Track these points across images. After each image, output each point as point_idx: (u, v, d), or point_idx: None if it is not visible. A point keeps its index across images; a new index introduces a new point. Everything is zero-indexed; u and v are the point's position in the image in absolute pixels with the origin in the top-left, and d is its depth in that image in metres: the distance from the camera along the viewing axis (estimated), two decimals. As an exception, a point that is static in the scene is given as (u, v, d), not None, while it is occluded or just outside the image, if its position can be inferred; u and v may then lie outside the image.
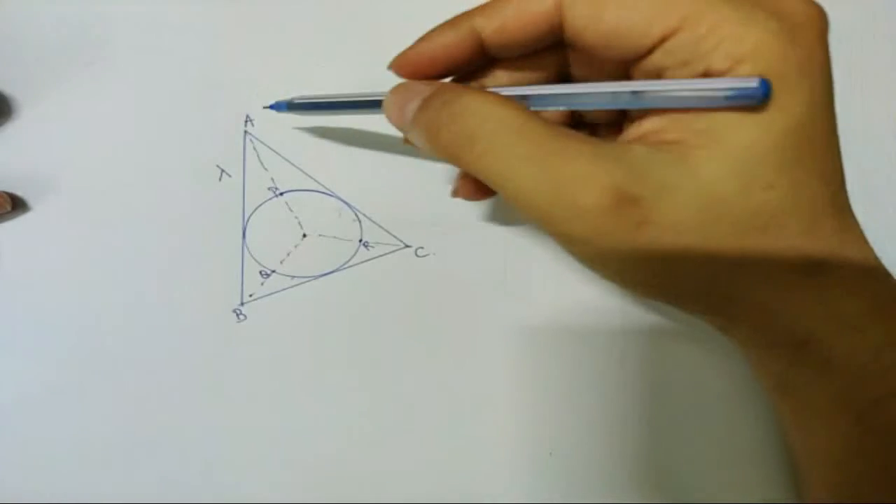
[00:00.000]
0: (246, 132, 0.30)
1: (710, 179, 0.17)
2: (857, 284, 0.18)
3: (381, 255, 0.30)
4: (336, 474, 0.29)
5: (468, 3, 0.21)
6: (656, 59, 0.17)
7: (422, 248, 0.30)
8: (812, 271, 0.17)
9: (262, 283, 0.29)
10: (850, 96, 0.31)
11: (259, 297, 0.29)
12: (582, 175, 0.17)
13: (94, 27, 0.30)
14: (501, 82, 0.21)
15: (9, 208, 0.29)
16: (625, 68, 0.19)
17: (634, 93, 0.16)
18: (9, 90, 0.30)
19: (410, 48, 0.20)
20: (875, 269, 0.19)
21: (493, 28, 0.19)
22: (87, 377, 0.29)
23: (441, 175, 0.30)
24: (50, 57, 0.30)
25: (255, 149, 0.30)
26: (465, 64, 0.20)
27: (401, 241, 0.30)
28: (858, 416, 0.18)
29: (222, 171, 0.30)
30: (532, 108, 0.19)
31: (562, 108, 0.20)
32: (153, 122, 0.30)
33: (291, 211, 0.30)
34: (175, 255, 0.29)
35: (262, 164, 0.30)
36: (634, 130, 0.18)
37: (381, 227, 0.30)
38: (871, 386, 0.18)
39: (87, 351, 0.29)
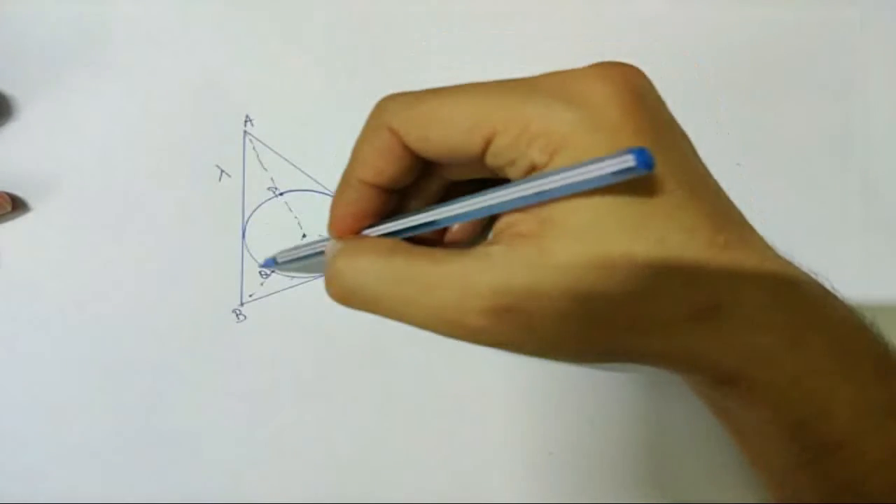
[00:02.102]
0: (246, 132, 0.30)
1: (566, 265, 0.17)
2: (766, 315, 0.18)
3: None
4: (336, 474, 0.29)
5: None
6: (489, 160, 0.19)
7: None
8: (710, 315, 0.18)
9: (261, 284, 0.29)
10: (850, 97, 0.31)
11: (259, 297, 0.29)
12: (454, 304, 0.18)
13: (94, 27, 0.30)
14: (433, 190, 0.23)
15: (9, 208, 0.29)
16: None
17: (538, 193, 0.17)
18: (9, 90, 0.30)
19: (331, 216, 0.22)
20: (787, 291, 0.19)
21: (372, 175, 0.20)
22: (86, 377, 0.29)
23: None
24: (50, 57, 0.30)
25: (254, 149, 0.30)
26: (382, 207, 0.22)
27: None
28: (791, 436, 0.19)
29: (222, 171, 0.30)
30: (438, 227, 0.20)
31: (466, 220, 0.21)
32: (153, 123, 0.30)
33: (291, 211, 0.30)
34: (175, 256, 0.29)
35: (261, 164, 0.30)
36: (498, 225, 0.19)
37: (380, 227, 0.30)
38: (795, 410, 0.19)
39: (87, 351, 0.29)
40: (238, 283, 0.29)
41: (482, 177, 0.21)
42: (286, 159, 0.30)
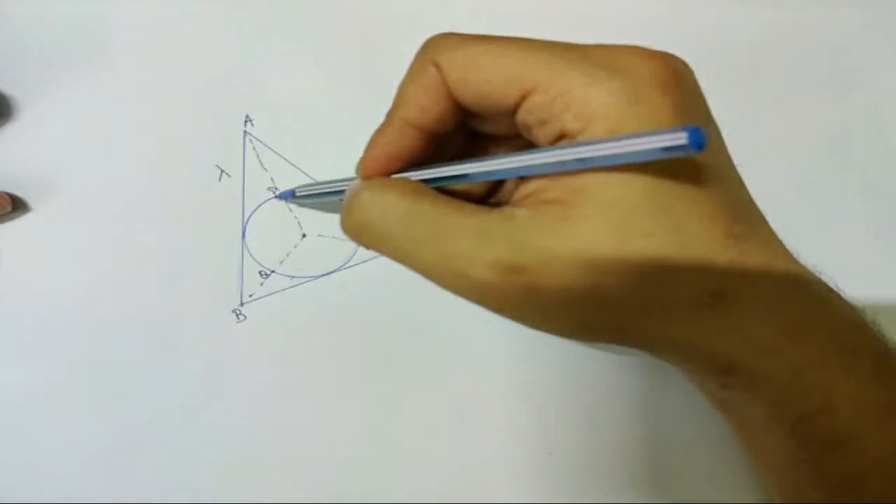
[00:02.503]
0: (245, 132, 0.30)
1: (588, 237, 0.17)
2: (770, 308, 0.18)
3: (380, 255, 0.30)
4: (336, 474, 0.29)
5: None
6: (521, 117, 0.19)
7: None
8: (713, 304, 0.18)
9: (261, 284, 0.29)
10: (850, 97, 0.31)
11: (259, 297, 0.29)
12: (467, 253, 0.18)
13: (94, 27, 0.30)
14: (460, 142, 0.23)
15: (9, 209, 0.29)
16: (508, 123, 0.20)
17: (579, 160, 0.17)
18: (9, 90, 0.30)
19: (365, 155, 0.22)
20: (793, 286, 0.19)
21: (415, 114, 0.20)
22: (87, 377, 0.29)
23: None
24: (50, 57, 0.30)
25: (254, 149, 0.30)
26: (418, 151, 0.21)
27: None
28: (790, 431, 0.19)
29: (222, 171, 0.30)
30: (467, 181, 0.20)
31: (502, 178, 0.21)
32: (153, 123, 0.30)
33: (291, 211, 0.30)
34: (175, 256, 0.29)
35: (261, 164, 0.30)
36: (522, 190, 0.19)
37: (380, 227, 0.30)
38: (796, 405, 0.19)
39: (87, 351, 0.29)
40: (238, 283, 0.29)
41: (507, 136, 0.21)
42: (286, 159, 0.30)
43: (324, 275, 0.30)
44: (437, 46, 0.20)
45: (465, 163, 0.20)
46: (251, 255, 0.30)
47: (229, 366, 0.29)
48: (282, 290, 0.29)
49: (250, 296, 0.29)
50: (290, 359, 0.29)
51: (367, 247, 0.20)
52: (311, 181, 0.27)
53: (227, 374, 0.29)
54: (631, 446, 0.29)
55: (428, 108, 0.20)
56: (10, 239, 0.29)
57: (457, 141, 0.22)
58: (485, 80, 0.19)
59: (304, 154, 0.30)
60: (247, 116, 0.30)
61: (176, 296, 0.29)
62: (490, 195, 0.24)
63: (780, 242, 0.20)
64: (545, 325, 0.20)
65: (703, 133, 0.15)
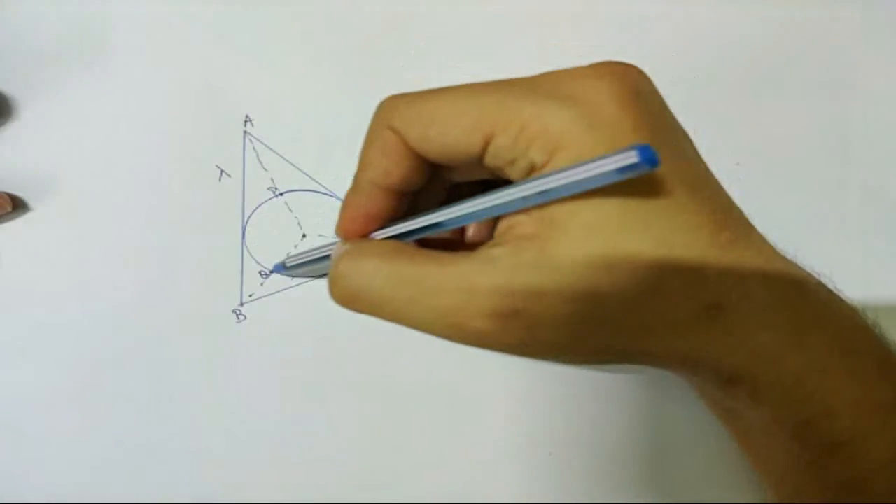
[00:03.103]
0: (245, 132, 0.30)
1: (571, 267, 0.17)
2: (768, 314, 0.18)
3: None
4: (336, 474, 0.29)
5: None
6: (488, 161, 0.19)
7: (422, 248, 0.30)
8: (713, 314, 0.18)
9: (261, 284, 0.29)
10: (850, 97, 0.31)
11: (259, 298, 0.29)
12: (459, 308, 0.18)
13: (94, 27, 0.30)
14: (440, 192, 0.23)
15: (9, 209, 0.29)
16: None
17: (541, 192, 0.17)
18: (9, 90, 0.30)
19: (341, 217, 0.22)
20: (790, 290, 0.19)
21: (380, 176, 0.20)
22: (86, 377, 0.29)
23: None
24: (50, 57, 0.30)
25: (254, 149, 0.30)
26: (394, 208, 0.21)
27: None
28: (794, 435, 0.19)
29: (222, 171, 0.30)
30: (441, 231, 0.20)
31: (471, 222, 0.21)
32: (153, 122, 0.30)
33: (291, 211, 0.30)
34: (175, 256, 0.29)
35: (261, 164, 0.30)
36: (500, 226, 0.19)
37: (380, 227, 0.30)
38: (799, 409, 0.19)
39: (87, 351, 0.29)
40: (238, 283, 0.29)
41: (485, 178, 0.21)
42: (286, 159, 0.30)
43: (324, 275, 0.30)
44: (390, 109, 0.20)
45: (435, 212, 0.20)
46: (251, 255, 0.30)
47: (229, 366, 0.29)
48: (282, 290, 0.29)
49: (250, 296, 0.29)
50: (290, 359, 0.29)
51: (363, 313, 0.20)
52: (298, 251, 0.27)
53: (227, 374, 0.29)
54: (631, 447, 0.29)
55: (390, 170, 0.20)
56: (10, 239, 0.29)
57: (435, 190, 0.22)
58: (445, 134, 0.19)
59: (304, 154, 0.30)
60: (247, 116, 0.30)
61: (176, 296, 0.29)
62: (468, 232, 0.24)
63: (771, 247, 0.19)
64: (551, 357, 0.20)
65: (653, 149, 0.15)
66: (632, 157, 0.15)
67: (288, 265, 0.28)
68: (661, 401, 0.29)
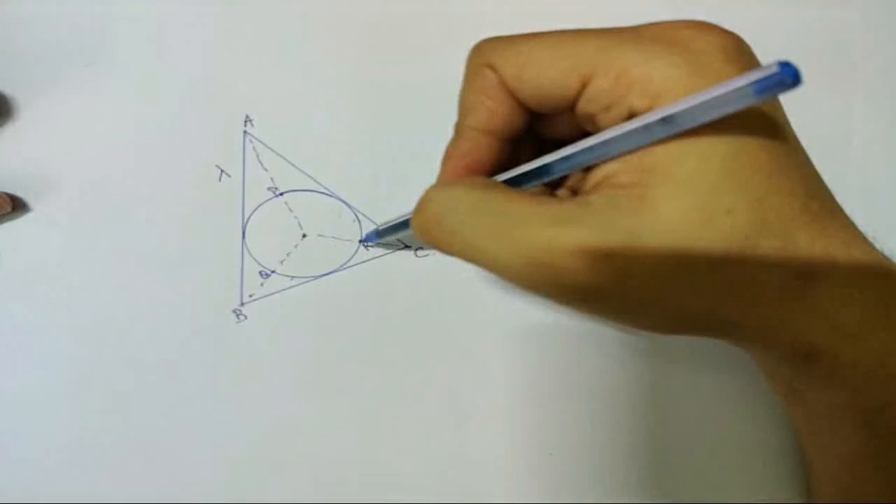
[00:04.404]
0: (245, 132, 0.30)
1: (670, 218, 0.16)
2: (854, 291, 0.18)
3: (380, 255, 0.30)
4: (336, 474, 0.29)
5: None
6: (582, 107, 0.18)
7: (421, 248, 0.30)
8: (799, 285, 0.17)
9: (261, 284, 0.29)
10: (850, 97, 0.31)
11: (259, 298, 0.29)
12: (547, 241, 0.17)
13: (94, 27, 0.30)
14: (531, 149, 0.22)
15: (9, 209, 0.29)
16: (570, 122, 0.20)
17: (665, 120, 0.16)
18: (9, 90, 0.30)
19: (444, 169, 0.21)
20: (876, 271, 0.18)
21: (483, 119, 0.20)
22: (87, 377, 0.29)
23: (441, 175, 0.30)
24: (50, 57, 0.30)
25: (254, 149, 0.30)
26: (499, 156, 0.21)
27: (400, 241, 0.30)
28: (864, 422, 0.19)
29: (222, 171, 0.30)
30: (550, 176, 0.19)
31: (580, 167, 0.20)
32: (153, 122, 0.30)
33: (291, 211, 0.30)
34: (175, 256, 0.29)
35: (261, 164, 0.30)
36: (590, 180, 0.19)
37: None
38: (876, 394, 0.18)
39: (87, 351, 0.29)
40: (238, 283, 0.29)
41: (571, 138, 0.20)
42: (286, 159, 0.30)
43: (324, 275, 0.30)
44: (487, 49, 0.19)
45: (544, 158, 0.19)
46: (251, 255, 0.30)
47: (229, 366, 0.29)
48: (282, 290, 0.29)
49: (250, 296, 0.29)
50: (290, 359, 0.29)
51: (437, 246, 0.19)
52: (389, 220, 0.26)
53: (227, 374, 0.29)
54: (631, 446, 0.29)
55: (494, 110, 0.19)
56: (10, 239, 0.29)
57: (527, 151, 0.22)
58: (542, 74, 0.18)
59: (304, 154, 0.30)
60: (247, 116, 0.30)
61: (176, 296, 0.29)
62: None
63: (855, 226, 0.19)
64: (631, 316, 0.19)
65: (795, 65, 0.14)
66: (773, 69, 0.14)
67: (381, 230, 0.27)
68: (661, 401, 0.29)
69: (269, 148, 0.30)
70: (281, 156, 0.30)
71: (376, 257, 0.30)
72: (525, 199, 0.18)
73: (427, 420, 0.29)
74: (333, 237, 0.30)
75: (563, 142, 0.21)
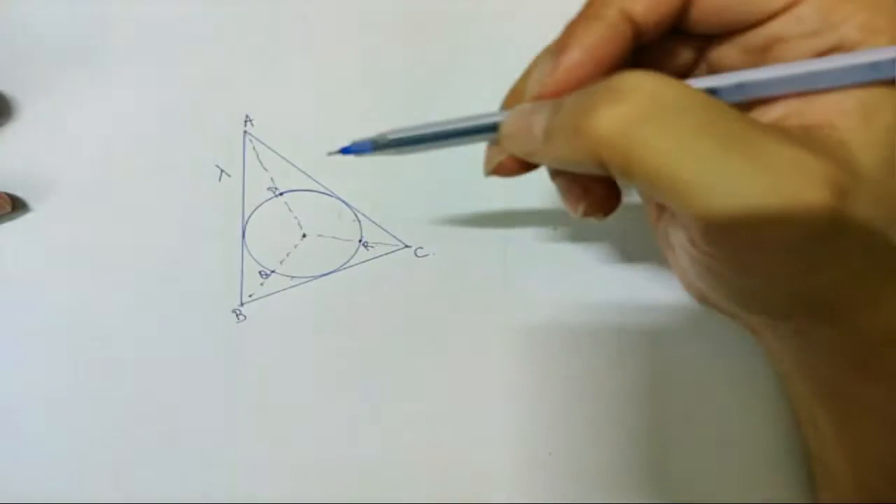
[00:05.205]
0: (245, 132, 0.30)
1: (870, 166, 0.15)
2: None
3: (380, 255, 0.30)
4: (336, 474, 0.29)
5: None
6: (778, 27, 0.16)
7: (421, 248, 0.30)
8: None
9: (261, 284, 0.29)
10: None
11: (259, 298, 0.29)
12: (798, 163, 0.14)
13: (93, 27, 0.30)
14: None
15: (9, 209, 0.29)
16: (700, 49, 0.18)
17: None
18: (9, 90, 0.30)
19: (562, 61, 0.16)
20: None
21: (644, 5, 0.16)
22: (86, 377, 0.29)
23: (441, 175, 0.30)
24: (50, 57, 0.30)
25: (254, 149, 0.30)
26: (623, 63, 0.17)
27: (400, 241, 0.30)
28: None
29: (222, 171, 0.30)
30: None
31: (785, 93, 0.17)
32: (153, 122, 0.30)
33: (291, 211, 0.30)
34: (175, 256, 0.29)
35: (261, 164, 0.30)
36: (766, 115, 0.16)
37: (380, 227, 0.30)
38: None
39: (87, 351, 0.29)
40: (238, 283, 0.29)
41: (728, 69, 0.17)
42: (286, 159, 0.30)
43: (323, 275, 0.30)
44: None
45: (719, 78, 0.16)
46: (251, 255, 0.30)
47: (229, 366, 0.29)
48: (282, 290, 0.29)
49: (250, 296, 0.29)
50: (290, 359, 0.29)
51: (624, 157, 0.14)
52: (405, 126, 0.20)
53: (226, 374, 0.29)
54: (631, 446, 0.29)
55: (663, 2, 0.16)
56: (10, 239, 0.29)
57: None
58: None
59: (304, 154, 0.30)
60: (247, 116, 0.30)
61: (176, 296, 0.29)
62: None
63: None
64: (782, 282, 0.16)
65: None
66: None
67: (391, 137, 0.21)
68: (661, 401, 0.29)
69: (269, 148, 0.30)
70: (281, 156, 0.30)
71: (376, 257, 0.30)
72: (756, 124, 0.15)
73: (427, 420, 0.29)
74: (333, 237, 0.30)
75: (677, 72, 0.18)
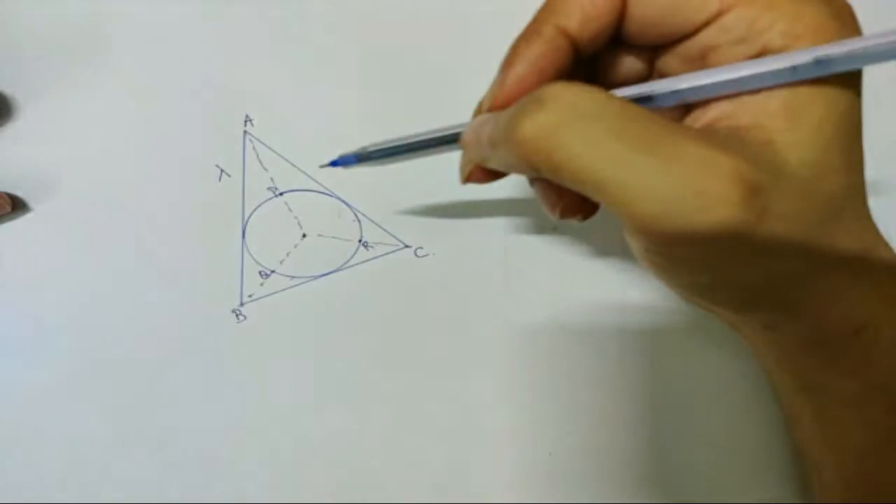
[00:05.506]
0: (245, 132, 0.30)
1: (796, 164, 0.16)
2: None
3: (380, 255, 0.30)
4: (336, 474, 0.29)
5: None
6: (707, 37, 0.17)
7: (421, 248, 0.30)
8: (865, 256, 0.17)
9: (261, 284, 0.29)
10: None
11: (259, 298, 0.29)
12: (706, 161, 0.15)
13: (94, 27, 0.30)
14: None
15: (9, 209, 0.29)
16: (649, 59, 0.19)
17: (818, 61, 0.15)
18: (9, 90, 0.30)
19: (508, 76, 0.18)
20: None
21: (577, 21, 0.18)
22: (87, 377, 0.29)
23: (441, 176, 0.30)
24: (50, 57, 0.30)
25: (254, 149, 0.30)
26: (565, 74, 0.18)
27: (400, 241, 0.30)
28: (890, 408, 0.18)
29: (222, 171, 0.30)
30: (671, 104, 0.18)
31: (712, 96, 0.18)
32: (153, 122, 0.30)
33: (291, 211, 0.30)
34: (175, 256, 0.29)
35: (261, 164, 0.30)
36: (700, 118, 0.17)
37: (380, 227, 0.30)
38: None
39: (87, 351, 0.29)
40: (238, 283, 0.29)
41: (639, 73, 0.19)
42: (286, 159, 0.30)
43: (323, 275, 0.30)
44: None
45: (652, 85, 0.17)
46: (251, 255, 0.30)
47: (229, 366, 0.29)
48: (282, 290, 0.29)
49: (250, 296, 0.29)
50: (289, 359, 0.29)
51: (552, 160, 0.16)
52: (384, 140, 0.23)
53: (227, 374, 0.29)
54: (631, 446, 0.29)
55: (595, 16, 0.17)
56: (10, 239, 0.29)
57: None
58: None
59: (304, 154, 0.30)
60: (247, 116, 0.30)
61: (176, 296, 0.29)
62: None
63: None
64: (727, 271, 0.17)
65: None
66: None
67: (376, 151, 0.23)
68: (661, 401, 0.29)
69: (269, 148, 0.30)
70: (281, 156, 0.30)
71: (376, 257, 0.30)
72: (666, 118, 0.16)
73: (427, 420, 0.29)
74: (333, 237, 0.30)
75: (618, 80, 0.20)
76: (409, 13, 0.31)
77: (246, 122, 0.30)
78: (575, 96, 0.16)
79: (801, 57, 0.16)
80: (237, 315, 0.29)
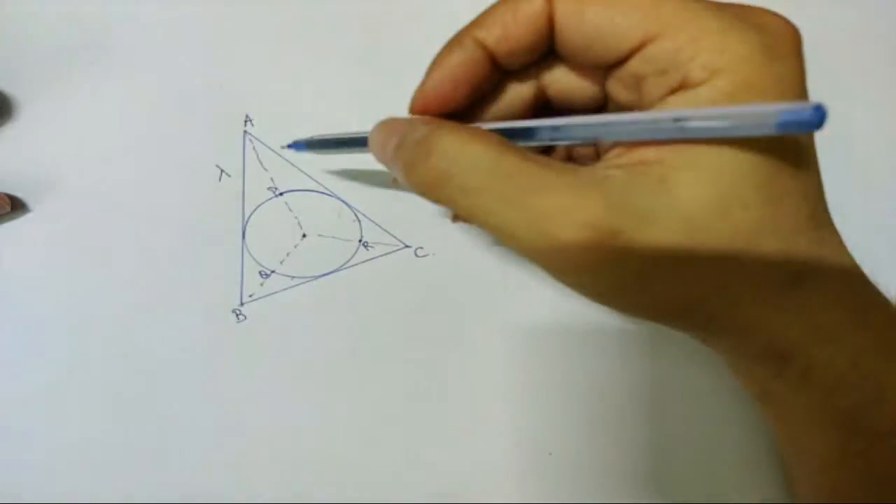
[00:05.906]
0: (245, 132, 0.30)
1: (688, 203, 0.16)
2: (835, 296, 0.18)
3: (380, 255, 0.30)
4: (336, 474, 0.29)
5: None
6: (634, 66, 0.17)
7: (421, 248, 0.30)
8: (789, 286, 0.18)
9: (261, 284, 0.29)
10: (850, 97, 0.31)
11: (259, 298, 0.29)
12: (558, 211, 0.16)
13: (94, 27, 0.30)
14: (517, 99, 0.21)
15: (9, 209, 0.29)
16: (602, 80, 0.19)
17: (676, 120, 0.16)
18: (9, 90, 0.30)
19: (426, 81, 0.20)
20: (855, 279, 0.19)
21: (496, 36, 0.19)
22: (86, 377, 0.29)
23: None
24: (50, 57, 0.30)
25: (254, 149, 0.30)
26: (481, 84, 0.20)
27: (400, 241, 0.30)
28: (839, 423, 0.19)
29: (222, 171, 0.30)
30: (535, 141, 0.19)
31: (575, 142, 0.19)
32: (153, 123, 0.30)
33: (291, 211, 0.30)
34: (175, 256, 0.29)
35: (261, 164, 0.30)
36: (613, 150, 0.18)
37: (380, 227, 0.30)
38: (850, 394, 0.18)
39: (87, 351, 0.29)
40: (238, 283, 0.29)
41: (592, 99, 0.20)
42: (286, 159, 0.30)
43: (323, 275, 0.30)
44: None
45: (551, 120, 0.18)
46: (251, 255, 0.30)
47: (229, 366, 0.29)
48: (282, 290, 0.29)
49: (250, 296, 0.29)
50: (290, 359, 0.29)
51: (439, 201, 0.18)
52: (327, 134, 0.25)
53: (226, 374, 0.29)
54: (631, 446, 0.29)
55: (515, 35, 0.18)
56: (10, 239, 0.29)
57: (524, 99, 0.21)
58: (605, 17, 0.17)
59: (304, 154, 0.30)
60: (247, 116, 0.30)
61: (176, 296, 0.29)
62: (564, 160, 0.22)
63: (840, 235, 0.19)
64: (619, 297, 0.18)
65: (825, 110, 0.14)
66: (805, 113, 0.14)
67: (319, 140, 0.26)
68: (661, 401, 0.29)
69: (269, 148, 0.30)
70: (281, 156, 0.30)
71: (376, 257, 0.30)
72: (543, 165, 0.17)
73: (427, 420, 0.29)
74: (333, 237, 0.30)
75: (536, 103, 0.21)
76: (409, 12, 0.31)
77: (246, 122, 0.30)
78: (456, 149, 0.17)
79: (664, 114, 0.16)
80: (237, 315, 0.29)
